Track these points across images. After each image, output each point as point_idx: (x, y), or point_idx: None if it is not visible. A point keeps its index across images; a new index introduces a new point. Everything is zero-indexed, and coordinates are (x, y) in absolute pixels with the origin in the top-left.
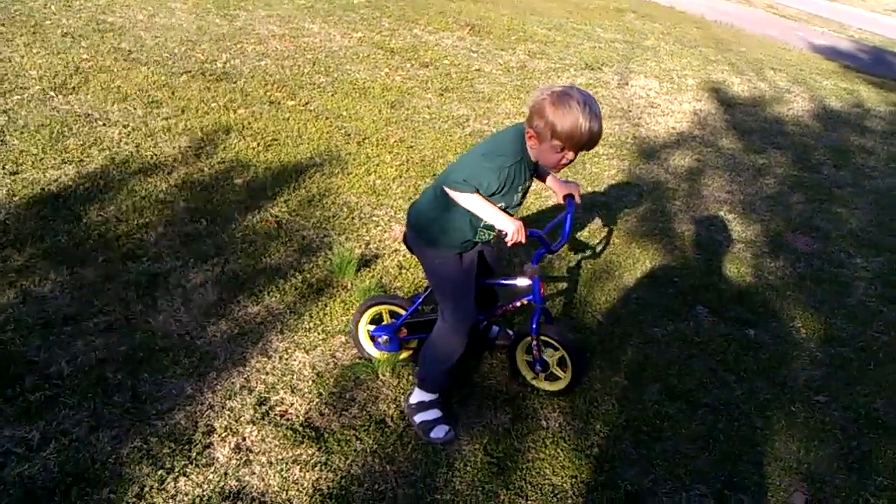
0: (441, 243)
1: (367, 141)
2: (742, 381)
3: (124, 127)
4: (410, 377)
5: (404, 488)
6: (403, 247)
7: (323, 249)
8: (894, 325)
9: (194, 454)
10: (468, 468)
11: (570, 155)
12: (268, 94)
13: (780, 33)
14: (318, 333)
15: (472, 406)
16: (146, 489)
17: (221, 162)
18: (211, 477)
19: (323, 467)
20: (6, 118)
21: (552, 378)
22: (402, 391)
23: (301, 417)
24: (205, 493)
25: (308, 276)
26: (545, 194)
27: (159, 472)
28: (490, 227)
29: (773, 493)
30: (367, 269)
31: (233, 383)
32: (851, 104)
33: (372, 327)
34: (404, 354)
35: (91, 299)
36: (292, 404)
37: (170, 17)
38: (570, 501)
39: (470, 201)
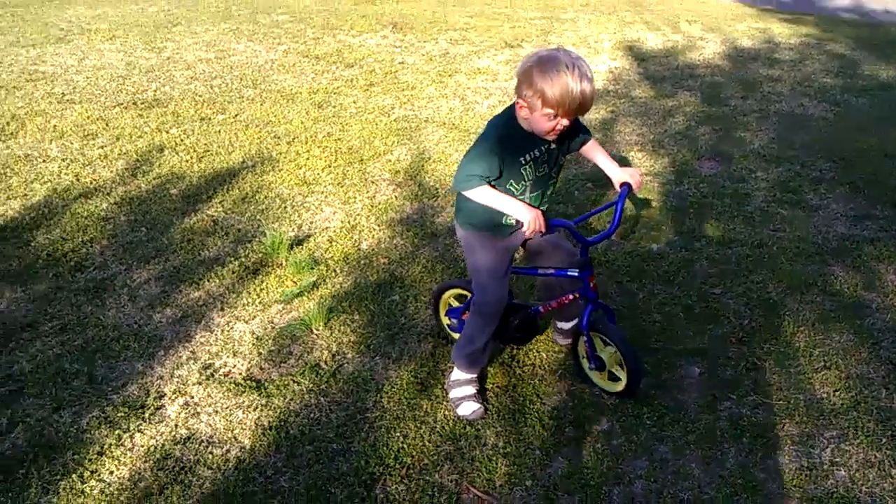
0: (475, 228)
1: (296, 140)
2: (643, 287)
3: (63, 160)
4: (342, 327)
5: (337, 412)
6: (333, 224)
7: (258, 237)
8: (789, 222)
9: (147, 415)
10: (395, 389)
11: (565, 121)
12: (198, 112)
13: None
14: (257, 306)
15: (399, 342)
16: (106, 447)
17: (157, 177)
18: (163, 430)
19: (263, 408)
20: None
21: (613, 378)
22: (334, 340)
23: (243, 373)
24: (158, 442)
25: (244, 260)
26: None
27: (117, 433)
28: None
29: (670, 371)
30: (300, 246)
31: (180, 356)
32: (762, 41)
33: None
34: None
35: (45, 308)
36: (235, 365)
37: (99, 58)
38: (505, 418)
39: (481, 195)
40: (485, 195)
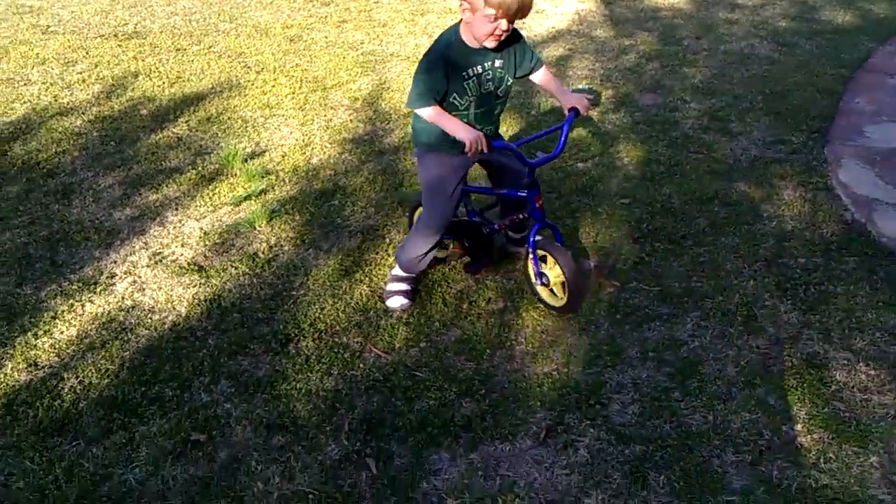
0: (426, 145)
1: (264, 70)
2: (560, 197)
3: (43, 84)
4: (282, 225)
5: (266, 290)
6: (289, 141)
7: (216, 151)
8: (709, 145)
9: (99, 290)
10: (321, 274)
11: (504, 24)
12: (175, 43)
13: None
14: (208, 207)
15: (331, 237)
16: (59, 313)
17: (130, 100)
18: (111, 300)
19: (202, 286)
20: None
21: (555, 294)
22: (273, 235)
23: (188, 260)
24: (105, 310)
25: (201, 170)
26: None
27: (70, 302)
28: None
29: None
30: (255, 160)
31: (133, 246)
32: None
33: None
34: (442, 253)
35: (17, 206)
36: (182, 254)
37: None
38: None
39: (428, 114)
40: (432, 114)
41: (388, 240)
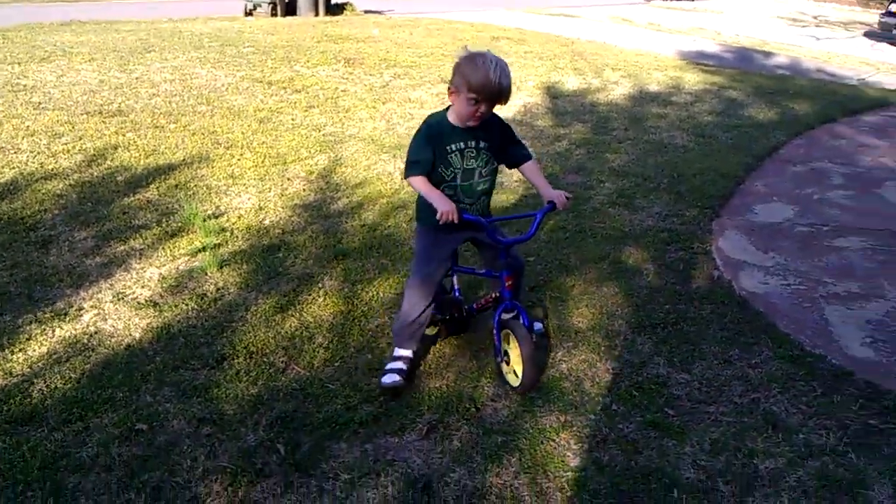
0: (424, 221)
1: (233, 146)
2: (475, 255)
3: (31, 153)
4: (231, 272)
5: (210, 322)
6: (246, 205)
7: (180, 213)
8: (612, 217)
9: (68, 319)
10: (259, 311)
11: (483, 107)
12: (154, 122)
13: (654, 46)
14: (168, 257)
15: (272, 283)
16: (33, 335)
17: (108, 168)
18: (77, 327)
19: (155, 318)
20: None
21: (513, 374)
22: (222, 280)
23: (146, 298)
24: (72, 334)
25: (165, 227)
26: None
27: (42, 327)
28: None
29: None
30: (213, 219)
31: (100, 286)
32: (669, 87)
33: None
34: (432, 330)
35: (1, 253)
36: (141, 293)
37: (76, 76)
38: (335, 330)
39: (415, 183)
40: (418, 184)
41: (321, 285)
